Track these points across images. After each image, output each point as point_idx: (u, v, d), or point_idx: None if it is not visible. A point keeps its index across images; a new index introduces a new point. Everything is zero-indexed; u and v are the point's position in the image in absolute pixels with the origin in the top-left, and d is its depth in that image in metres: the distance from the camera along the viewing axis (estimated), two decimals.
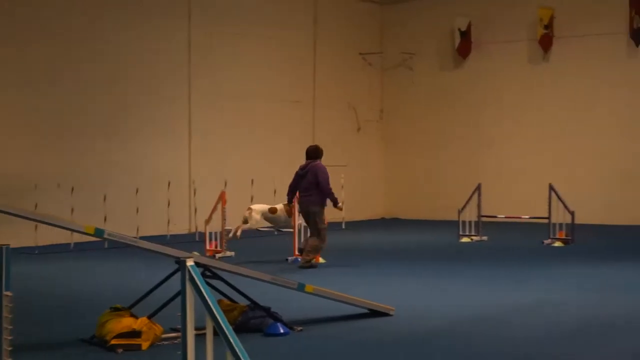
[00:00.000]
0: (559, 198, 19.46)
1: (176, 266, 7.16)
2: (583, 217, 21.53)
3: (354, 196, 26.03)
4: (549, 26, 26.03)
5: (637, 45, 24.91)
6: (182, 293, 6.10)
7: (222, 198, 17.66)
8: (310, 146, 16.68)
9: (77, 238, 18.19)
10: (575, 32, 25.87)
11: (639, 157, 24.94)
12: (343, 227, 23.85)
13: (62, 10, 20.59)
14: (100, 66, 21.21)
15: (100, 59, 21.21)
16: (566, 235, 19.42)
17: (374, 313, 10.54)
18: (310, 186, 15.99)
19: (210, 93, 23.61)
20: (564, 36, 26.01)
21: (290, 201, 16.57)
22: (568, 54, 26.00)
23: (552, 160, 26.07)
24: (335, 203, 16.10)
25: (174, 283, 7.37)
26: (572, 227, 19.26)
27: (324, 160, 16.31)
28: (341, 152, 27.24)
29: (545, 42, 26.14)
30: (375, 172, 28.89)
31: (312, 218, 15.97)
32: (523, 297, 12.16)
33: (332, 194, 15.94)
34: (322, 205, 16.03)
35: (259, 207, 18.35)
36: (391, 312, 10.57)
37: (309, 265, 15.67)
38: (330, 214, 19.65)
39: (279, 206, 18.21)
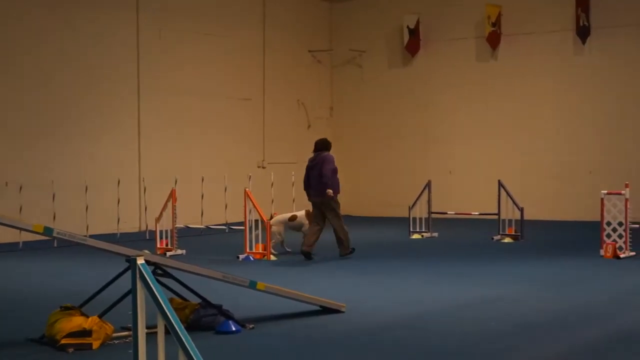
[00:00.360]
0: (508, 194, 19.62)
1: (127, 265, 7.14)
2: (532, 213, 21.75)
3: (305, 194, 26.01)
4: (496, 24, 26.22)
5: (583, 43, 25.18)
6: (132, 292, 6.08)
7: (172, 196, 17.60)
8: (319, 139, 17.13)
9: (26, 237, 18.04)
10: (522, 30, 26.09)
11: (586, 153, 25.22)
12: None
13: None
14: (51, 64, 20.97)
15: (47, 55, 20.97)
16: (515, 232, 19.58)
17: (326, 310, 10.57)
18: (318, 177, 16.48)
19: (160, 90, 23.45)
20: (511, 34, 26.22)
21: (309, 196, 16.89)
22: (515, 51, 26.21)
23: (501, 156, 26.28)
24: (326, 188, 16.30)
25: (125, 282, 7.34)
26: (521, 223, 19.43)
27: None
28: (291, 150, 27.25)
29: (493, 40, 26.33)
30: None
31: (326, 209, 16.51)
32: (473, 293, 12.27)
33: (330, 181, 16.29)
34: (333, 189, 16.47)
35: (279, 218, 17.71)
36: (342, 309, 10.61)
37: (348, 247, 16.73)
38: (282, 211, 19.65)
39: (300, 213, 17.72)
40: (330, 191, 16.37)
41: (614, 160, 24.72)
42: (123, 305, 8.45)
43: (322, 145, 16.84)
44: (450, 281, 13.58)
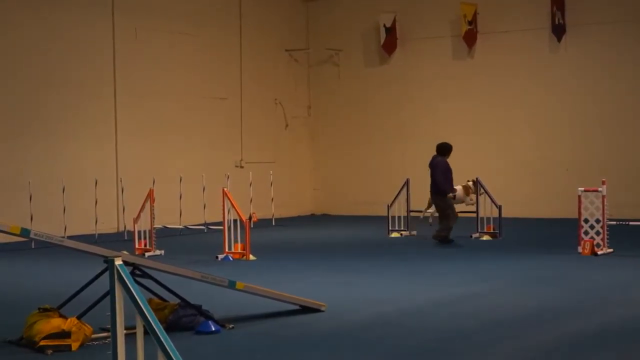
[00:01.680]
0: (486, 192, 19.69)
1: (105, 265, 7.12)
2: (510, 211, 21.79)
3: (283, 193, 26.01)
4: (472, 22, 26.27)
5: (558, 41, 25.27)
6: (111, 292, 6.06)
7: (150, 196, 17.55)
8: (440, 143, 19.46)
9: (3, 238, 17.86)
10: (498, 28, 26.15)
11: (563, 150, 25.31)
12: (273, 224, 23.83)
13: None
14: (26, 64, 20.88)
15: (21, 54, 20.86)
16: (494, 229, 19.64)
17: (306, 309, 10.56)
18: (432, 180, 18.98)
19: (136, 90, 23.33)
20: (487, 32, 26.27)
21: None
22: (492, 49, 26.27)
23: (479, 154, 26.30)
24: (445, 193, 18.88)
25: (103, 283, 7.31)
26: (500, 221, 19.48)
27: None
28: (269, 149, 27.23)
29: (469, 38, 26.37)
30: (303, 168, 28.90)
31: (438, 206, 18.96)
32: (451, 290, 12.30)
33: (444, 185, 18.78)
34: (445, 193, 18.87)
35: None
36: (322, 308, 10.60)
37: (443, 239, 18.55)
38: (260, 211, 19.64)
39: (457, 187, 19.91)
40: (451, 195, 19.03)
41: (590, 158, 24.82)
42: (101, 306, 8.43)
43: (438, 150, 19.23)
44: (429, 279, 13.62)
